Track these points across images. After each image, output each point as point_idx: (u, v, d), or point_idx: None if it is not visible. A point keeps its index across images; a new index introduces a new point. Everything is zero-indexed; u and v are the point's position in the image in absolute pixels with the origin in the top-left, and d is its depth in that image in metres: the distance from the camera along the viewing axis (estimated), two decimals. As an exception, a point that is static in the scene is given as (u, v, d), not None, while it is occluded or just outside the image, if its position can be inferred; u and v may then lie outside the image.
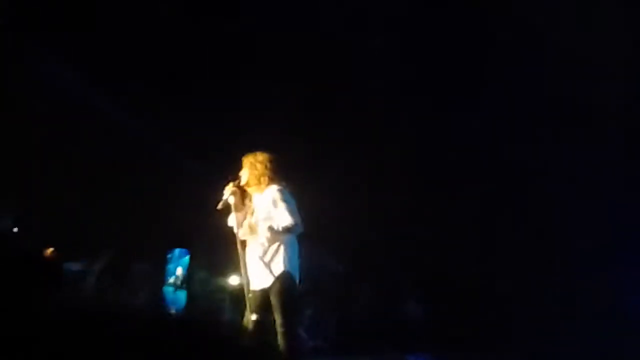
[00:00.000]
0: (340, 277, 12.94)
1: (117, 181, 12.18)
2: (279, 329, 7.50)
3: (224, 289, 11.79)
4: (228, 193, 7.79)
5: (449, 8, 12.32)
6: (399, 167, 12.94)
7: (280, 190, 7.67)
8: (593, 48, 11.97)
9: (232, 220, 7.86)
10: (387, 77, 12.67)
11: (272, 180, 7.76)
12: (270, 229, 7.54)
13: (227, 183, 7.85)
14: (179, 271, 12.06)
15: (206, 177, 12.06)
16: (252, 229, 7.71)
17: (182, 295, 11.34)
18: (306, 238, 7.90)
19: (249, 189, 7.86)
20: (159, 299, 11.32)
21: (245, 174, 7.85)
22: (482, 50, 12.65)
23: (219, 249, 11.19)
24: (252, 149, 7.96)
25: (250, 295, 7.74)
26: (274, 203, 7.64)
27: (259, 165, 7.80)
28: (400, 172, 12.91)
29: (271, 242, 7.66)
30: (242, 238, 7.79)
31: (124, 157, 12.44)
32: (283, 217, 7.57)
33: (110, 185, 12.08)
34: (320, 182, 11.22)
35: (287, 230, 7.55)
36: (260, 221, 7.67)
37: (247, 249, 7.83)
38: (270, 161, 7.84)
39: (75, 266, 11.03)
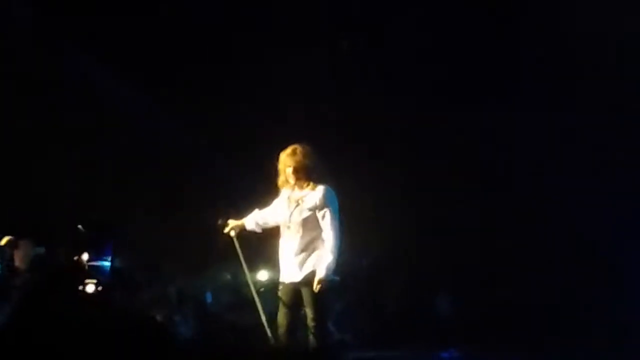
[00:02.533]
0: (365, 271, 12.98)
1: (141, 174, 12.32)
2: (311, 323, 7.57)
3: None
4: (228, 231, 7.94)
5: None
6: (431, 160, 12.99)
7: (327, 193, 7.65)
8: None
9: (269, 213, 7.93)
10: (417, 76, 12.81)
11: (318, 177, 7.74)
12: (324, 280, 7.53)
13: (218, 227, 8.03)
14: None
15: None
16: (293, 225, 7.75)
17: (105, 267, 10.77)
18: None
19: (291, 184, 7.77)
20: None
21: (284, 169, 7.77)
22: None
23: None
24: (289, 143, 7.88)
25: (280, 287, 7.80)
26: (321, 207, 7.63)
27: (302, 161, 7.71)
28: (432, 164, 12.95)
29: (308, 237, 7.71)
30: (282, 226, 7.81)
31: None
32: (324, 254, 7.58)
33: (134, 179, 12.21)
34: (348, 175, 11.29)
35: (333, 259, 7.57)
36: (301, 220, 7.68)
37: (283, 240, 7.85)
38: (313, 154, 7.77)
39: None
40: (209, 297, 11.17)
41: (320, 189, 7.69)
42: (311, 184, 7.73)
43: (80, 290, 9.22)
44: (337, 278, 7.72)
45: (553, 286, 12.52)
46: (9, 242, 9.60)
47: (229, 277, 11.62)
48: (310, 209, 7.67)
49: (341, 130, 12.57)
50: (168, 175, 12.53)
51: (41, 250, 9.92)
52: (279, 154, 7.88)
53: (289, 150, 7.80)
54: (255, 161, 8.80)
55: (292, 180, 7.73)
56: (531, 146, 12.92)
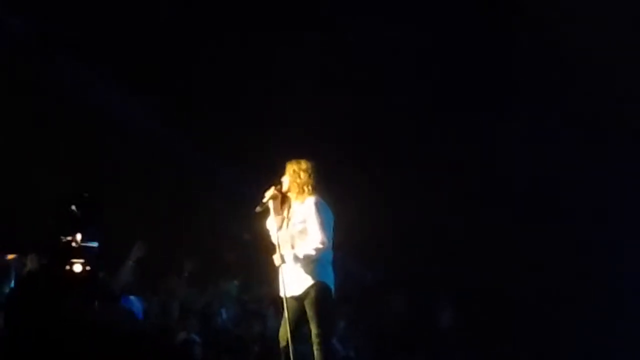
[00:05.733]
0: (369, 285, 13.03)
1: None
2: (314, 339, 7.58)
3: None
4: (268, 196, 7.82)
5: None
6: (432, 175, 13.16)
7: (317, 203, 7.69)
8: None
9: (270, 224, 7.88)
10: (421, 90, 13.03)
11: (314, 191, 7.77)
12: (296, 257, 7.63)
13: (269, 187, 7.87)
14: None
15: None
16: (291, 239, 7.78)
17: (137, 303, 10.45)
18: (337, 246, 7.96)
19: (290, 195, 7.85)
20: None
21: (287, 181, 7.85)
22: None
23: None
24: (296, 155, 7.98)
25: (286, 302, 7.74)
26: (309, 216, 7.66)
27: (302, 174, 7.80)
28: (433, 179, 13.14)
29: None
30: (279, 244, 7.78)
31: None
32: (307, 243, 7.63)
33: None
34: (351, 189, 11.37)
35: (310, 257, 7.61)
36: (296, 232, 7.73)
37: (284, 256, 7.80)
38: (315, 171, 7.84)
39: (126, 276, 10.80)
40: (223, 313, 11.19)
41: (310, 200, 7.75)
42: (302, 197, 7.80)
43: (67, 270, 9.22)
44: (332, 287, 7.77)
45: (554, 298, 12.65)
46: (15, 259, 9.65)
47: (234, 289, 11.67)
48: (301, 222, 7.73)
49: (345, 145, 12.73)
50: (171, 185, 12.61)
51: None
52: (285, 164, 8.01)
53: (294, 160, 7.93)
54: (260, 171, 8.83)
55: (284, 188, 7.84)
56: (530, 158, 13.06)
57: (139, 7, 12.24)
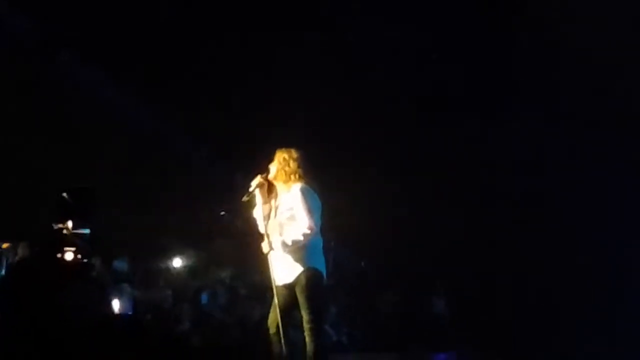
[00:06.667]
0: (363, 273, 13.03)
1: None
2: (306, 325, 7.50)
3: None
4: (255, 185, 7.78)
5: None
6: (426, 164, 13.16)
7: (303, 190, 7.63)
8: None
9: (257, 213, 7.84)
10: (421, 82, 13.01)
11: (300, 179, 7.71)
12: (284, 244, 7.57)
13: (255, 175, 7.82)
14: None
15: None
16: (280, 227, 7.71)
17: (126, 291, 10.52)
18: (330, 235, 7.99)
19: (276, 184, 7.82)
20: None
21: (274, 169, 7.82)
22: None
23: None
24: (286, 144, 7.94)
25: (275, 291, 7.68)
26: (296, 202, 7.60)
27: (292, 162, 7.76)
28: (427, 169, 13.14)
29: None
30: (267, 232, 7.73)
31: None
32: (295, 229, 7.56)
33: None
34: (345, 179, 11.37)
35: (298, 243, 7.54)
36: (284, 220, 7.67)
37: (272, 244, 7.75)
38: (304, 160, 7.80)
39: (121, 265, 10.82)
40: (204, 298, 11.18)
41: (296, 187, 7.71)
42: (288, 185, 7.76)
43: (59, 258, 9.17)
44: (324, 273, 7.70)
45: (554, 298, 12.63)
46: (8, 247, 9.65)
47: (224, 277, 11.68)
48: (288, 209, 7.68)
49: (339, 137, 12.68)
50: (165, 177, 12.65)
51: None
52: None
53: (284, 148, 7.89)
54: (253, 163, 8.84)
55: (270, 175, 7.81)
56: (527, 154, 13.07)
57: (140, 7, 12.23)
